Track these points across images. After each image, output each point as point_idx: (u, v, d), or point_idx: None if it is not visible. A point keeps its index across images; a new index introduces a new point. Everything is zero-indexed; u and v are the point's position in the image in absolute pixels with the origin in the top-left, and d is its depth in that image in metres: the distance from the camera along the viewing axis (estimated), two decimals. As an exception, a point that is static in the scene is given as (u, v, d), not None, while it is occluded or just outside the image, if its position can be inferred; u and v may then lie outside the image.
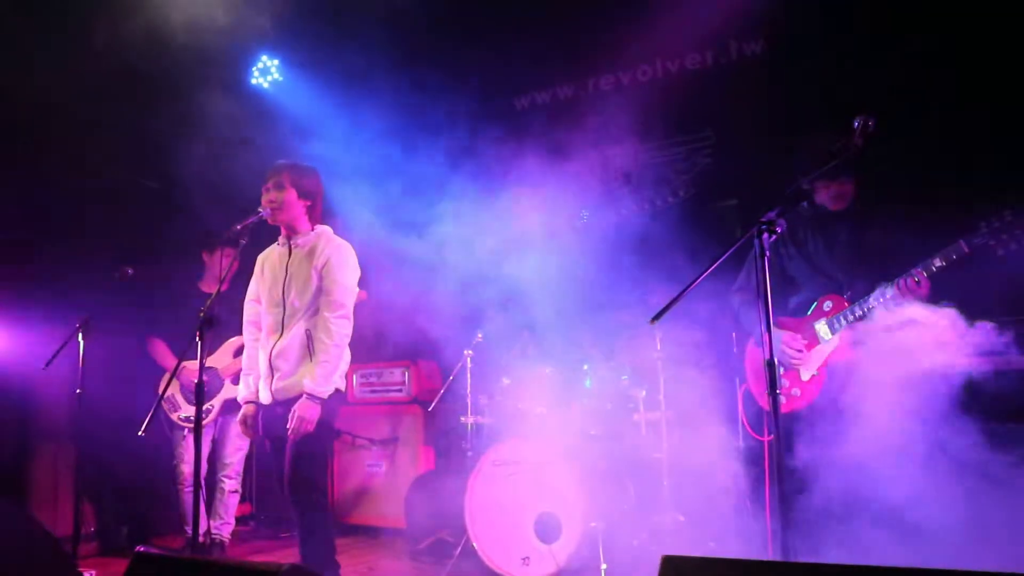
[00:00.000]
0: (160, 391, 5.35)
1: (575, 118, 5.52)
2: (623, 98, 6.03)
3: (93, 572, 4.76)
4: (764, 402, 3.82)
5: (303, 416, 3.72)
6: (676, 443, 4.85)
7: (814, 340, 3.75)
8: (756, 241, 2.86)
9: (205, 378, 5.12)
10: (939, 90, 4.81)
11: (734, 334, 5.21)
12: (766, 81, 5.64)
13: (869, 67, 5.04)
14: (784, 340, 3.78)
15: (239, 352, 5.33)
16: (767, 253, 2.84)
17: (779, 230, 2.88)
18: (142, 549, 2.84)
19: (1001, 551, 3.54)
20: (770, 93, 5.58)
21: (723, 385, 5.01)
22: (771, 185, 3.97)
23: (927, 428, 3.49)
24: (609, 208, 6.25)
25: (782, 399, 3.69)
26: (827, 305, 3.73)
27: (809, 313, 3.81)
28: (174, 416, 5.38)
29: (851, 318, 3.62)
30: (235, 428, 5.33)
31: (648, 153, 6.16)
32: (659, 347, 4.70)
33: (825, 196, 3.79)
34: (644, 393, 5.00)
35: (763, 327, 2.86)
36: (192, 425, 5.23)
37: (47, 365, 4.86)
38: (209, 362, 5.35)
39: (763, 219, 2.87)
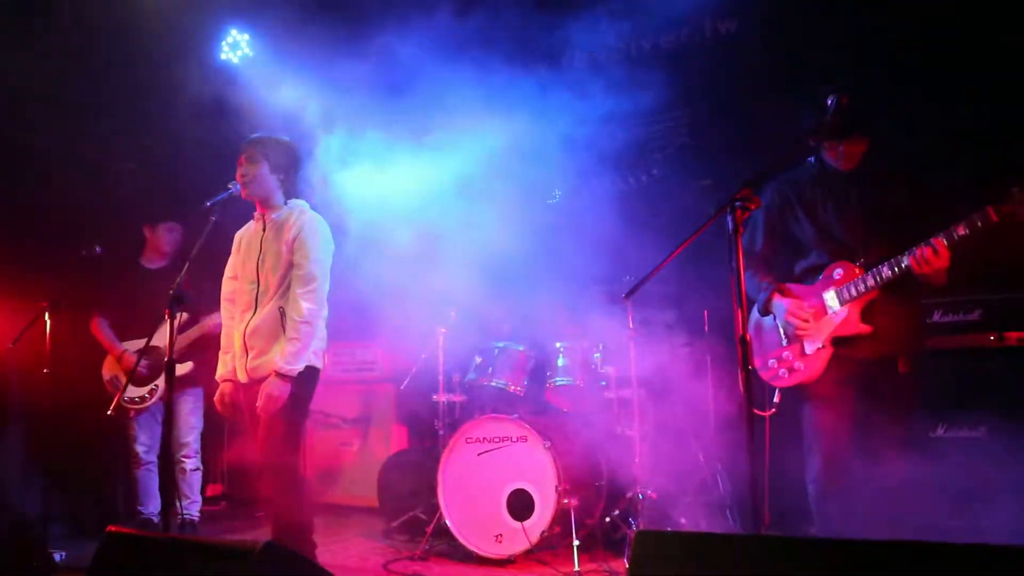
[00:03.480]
0: (106, 373, 5.32)
1: (549, 95, 5.48)
2: (597, 76, 6.00)
3: (63, 553, 4.71)
4: (765, 375, 3.61)
5: (271, 394, 3.68)
6: (648, 420, 4.88)
7: (822, 310, 3.47)
8: (729, 218, 2.84)
9: (146, 361, 5.10)
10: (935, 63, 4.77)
11: (705, 312, 5.24)
12: (741, 60, 5.64)
13: (845, 43, 5.04)
14: (789, 308, 3.51)
15: (182, 329, 5.23)
16: (741, 230, 2.82)
17: (752, 207, 2.85)
18: (113, 528, 2.81)
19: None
20: (745, 72, 5.58)
21: (695, 363, 5.05)
22: (746, 164, 3.92)
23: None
24: (583, 186, 6.24)
25: (784, 372, 3.53)
26: (837, 273, 3.45)
27: (818, 280, 3.53)
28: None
29: (863, 288, 3.35)
30: (187, 406, 5.27)
31: (623, 131, 6.14)
32: (631, 325, 4.71)
33: (832, 156, 3.52)
34: (615, 370, 5.01)
35: (735, 304, 2.85)
36: (136, 406, 5.19)
37: (14, 343, 4.78)
38: (153, 341, 5.25)
39: (737, 195, 2.85)
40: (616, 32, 6.13)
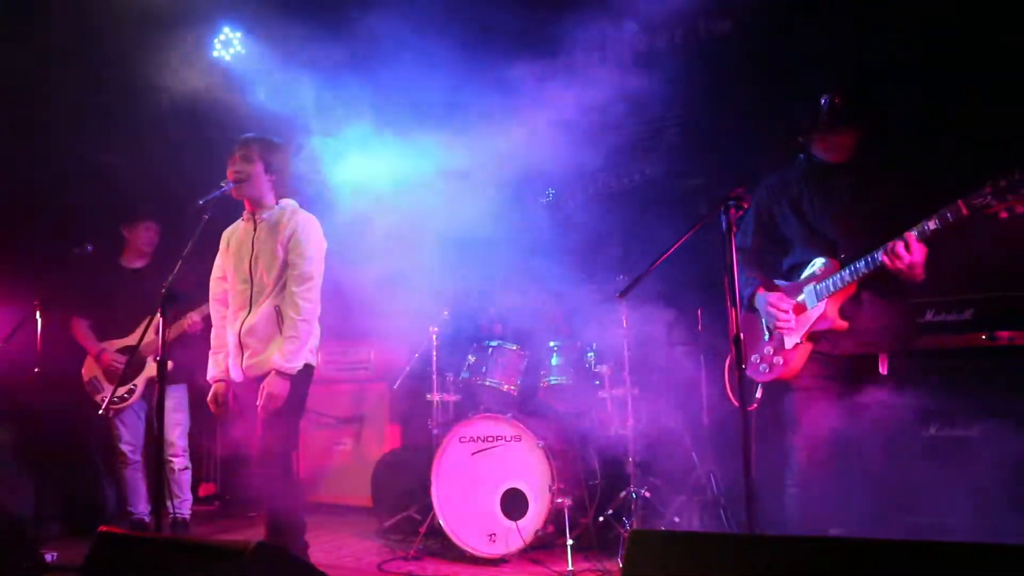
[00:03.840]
0: (86, 374, 5.29)
1: (542, 95, 5.48)
2: (590, 75, 6.00)
3: (55, 554, 4.68)
4: (748, 370, 3.59)
5: (272, 392, 3.69)
6: (641, 419, 4.88)
7: (802, 305, 3.45)
8: (723, 217, 2.84)
9: (125, 359, 5.07)
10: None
11: (699, 311, 5.24)
12: (734, 60, 5.64)
13: (840, 45, 5.04)
14: (771, 300, 3.50)
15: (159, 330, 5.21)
16: (734, 229, 2.82)
17: (745, 206, 2.85)
18: (105, 528, 2.80)
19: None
20: (738, 72, 5.58)
21: (688, 362, 5.05)
22: (739, 163, 3.89)
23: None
24: (576, 186, 6.25)
25: (764, 368, 3.52)
26: (819, 268, 3.43)
27: (803, 276, 3.50)
28: (98, 399, 5.26)
29: (839, 283, 3.31)
30: (170, 403, 5.19)
31: (615, 131, 6.14)
32: (625, 324, 4.71)
33: (821, 148, 3.46)
34: (609, 369, 5.00)
35: (728, 303, 2.86)
36: (116, 406, 5.16)
37: (6, 341, 4.76)
38: (131, 340, 5.22)
39: (730, 194, 2.85)
40: (610, 32, 6.13)
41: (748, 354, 3.59)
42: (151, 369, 5.19)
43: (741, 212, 2.85)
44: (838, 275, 3.31)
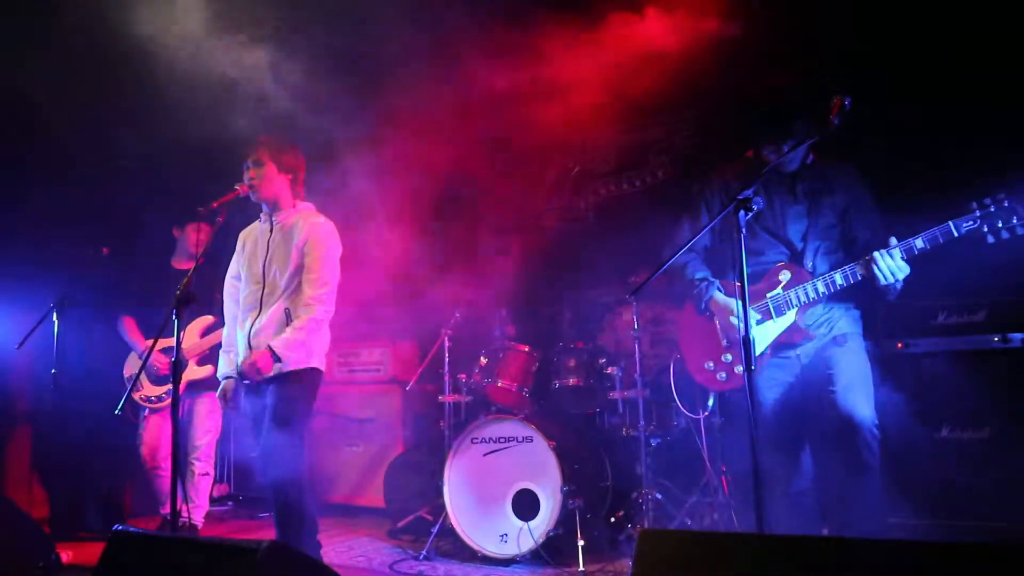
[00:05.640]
0: (127, 370, 5.33)
1: (551, 99, 5.49)
2: (602, 78, 6.01)
3: (69, 553, 4.72)
4: (700, 377, 3.55)
5: (256, 363, 3.68)
6: (652, 421, 4.89)
7: (765, 314, 3.35)
8: (733, 218, 2.84)
9: (167, 360, 5.13)
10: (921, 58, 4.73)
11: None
12: (746, 61, 5.63)
13: (850, 43, 5.04)
14: (732, 309, 3.40)
15: (206, 332, 5.26)
16: (743, 230, 2.82)
17: (755, 208, 2.85)
18: (120, 528, 2.82)
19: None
20: (750, 74, 5.57)
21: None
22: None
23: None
24: (589, 189, 6.25)
25: (722, 376, 3.43)
26: (784, 276, 3.34)
27: (760, 282, 3.39)
28: (136, 396, 5.28)
29: (812, 295, 3.26)
30: (204, 409, 5.26)
31: (627, 134, 6.15)
32: (636, 325, 4.71)
33: (777, 155, 3.38)
34: (621, 372, 5.01)
35: (738, 304, 2.86)
36: (153, 405, 5.20)
37: (20, 345, 4.80)
38: (173, 341, 5.25)
39: (740, 196, 2.85)
40: (619, 34, 6.13)
41: (702, 360, 3.53)
42: (193, 372, 5.23)
43: (750, 214, 2.84)
44: (810, 285, 3.27)
